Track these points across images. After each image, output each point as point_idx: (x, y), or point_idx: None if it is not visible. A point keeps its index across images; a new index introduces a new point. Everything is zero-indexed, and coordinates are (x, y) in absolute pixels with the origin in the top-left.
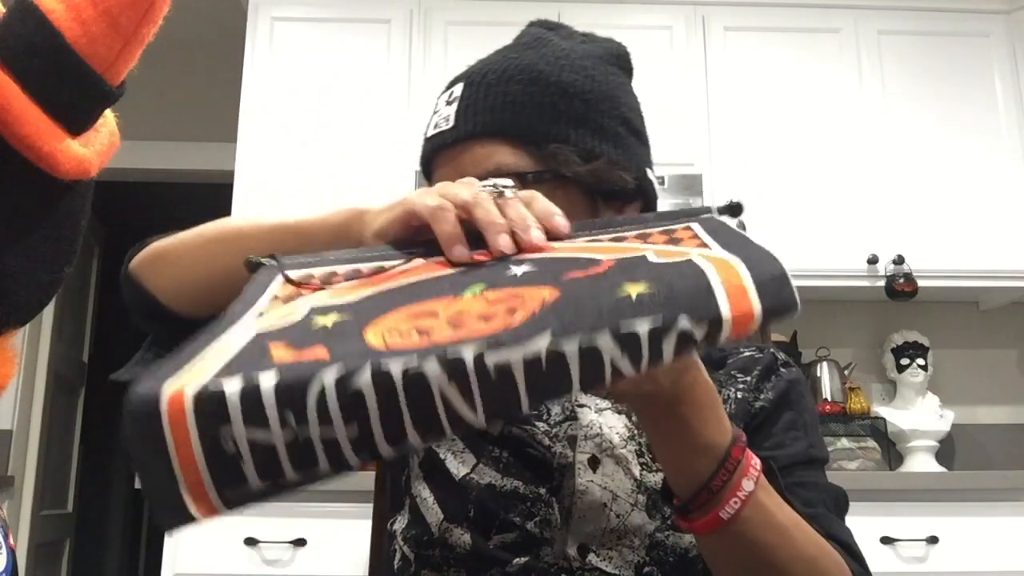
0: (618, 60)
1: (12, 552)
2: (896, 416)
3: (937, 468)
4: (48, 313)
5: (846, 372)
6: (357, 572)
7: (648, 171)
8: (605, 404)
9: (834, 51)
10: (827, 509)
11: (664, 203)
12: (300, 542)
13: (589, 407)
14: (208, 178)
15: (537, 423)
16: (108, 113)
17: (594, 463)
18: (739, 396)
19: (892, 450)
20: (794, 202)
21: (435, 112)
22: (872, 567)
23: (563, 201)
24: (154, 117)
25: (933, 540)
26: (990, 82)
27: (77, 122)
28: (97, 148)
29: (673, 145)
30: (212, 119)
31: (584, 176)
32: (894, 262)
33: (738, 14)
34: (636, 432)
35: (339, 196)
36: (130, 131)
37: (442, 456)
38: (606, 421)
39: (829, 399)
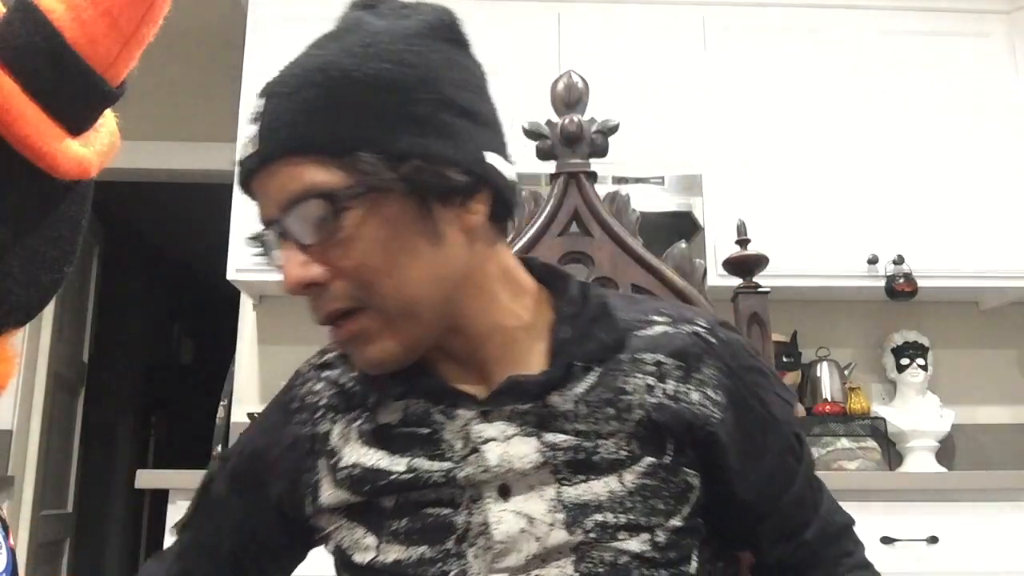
0: (443, 31)
1: (12, 552)
2: (896, 416)
3: (937, 468)
4: (48, 313)
5: (846, 372)
6: None
7: (489, 155)
8: (512, 429)
9: (834, 51)
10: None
11: (664, 203)
12: None
13: (496, 439)
14: (208, 178)
15: (439, 463)
16: (108, 113)
17: (504, 491)
18: (654, 392)
19: (892, 450)
20: (794, 202)
21: (248, 132)
22: None
23: (388, 215)
24: (154, 117)
25: (933, 540)
26: (990, 82)
27: (77, 122)
28: (97, 148)
29: (673, 145)
30: (212, 119)
31: (398, 184)
32: (894, 262)
33: (738, 14)
34: (549, 452)
35: None
36: (130, 131)
37: (345, 547)
38: (516, 451)
39: (829, 399)
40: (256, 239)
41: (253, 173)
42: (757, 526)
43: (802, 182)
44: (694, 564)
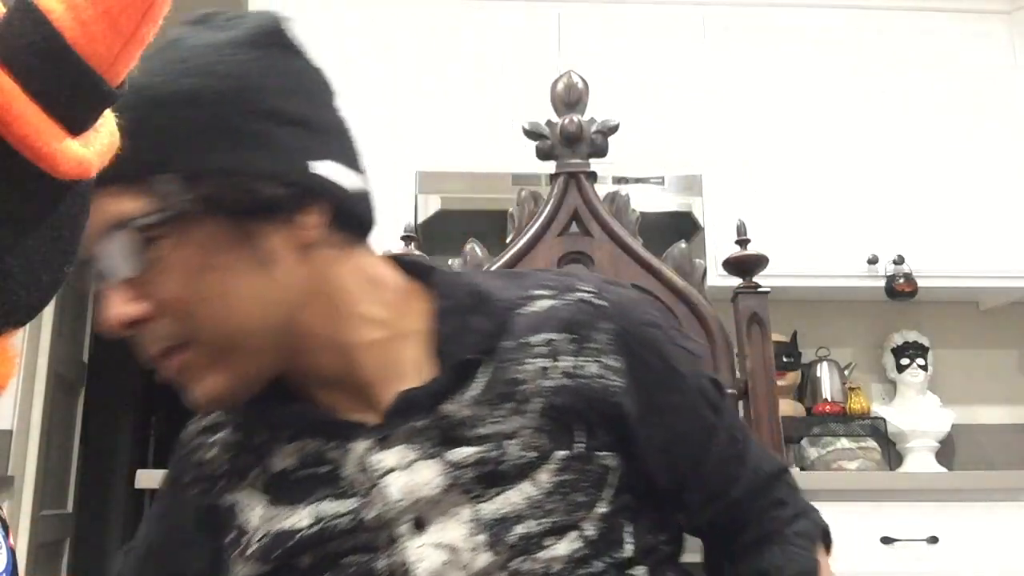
0: (265, 37)
1: (12, 552)
2: (896, 416)
3: (937, 468)
4: (48, 313)
5: (846, 372)
6: None
7: (319, 164)
8: (413, 453)
9: (834, 51)
10: (767, 476)
11: (664, 203)
12: None
13: (396, 468)
14: None
15: (345, 502)
16: (108, 113)
17: (420, 524)
18: (548, 374)
19: (892, 450)
20: (794, 202)
21: None
22: (872, 567)
23: (200, 240)
24: None
25: (933, 540)
26: (990, 82)
27: (77, 122)
28: (97, 148)
29: (673, 145)
30: None
31: (197, 204)
32: (894, 262)
33: (738, 14)
34: (455, 472)
35: None
36: None
37: None
38: (419, 478)
39: (829, 399)
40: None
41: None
42: (682, 492)
43: (802, 182)
44: (628, 546)
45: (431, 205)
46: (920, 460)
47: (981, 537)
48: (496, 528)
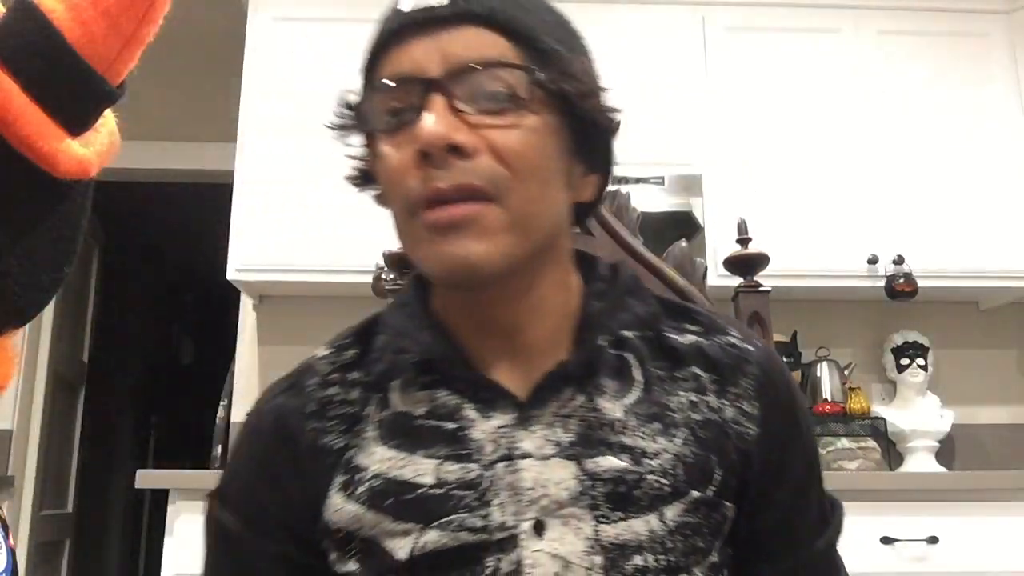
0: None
1: (12, 552)
2: (896, 416)
3: (937, 468)
4: (48, 313)
5: (846, 372)
6: None
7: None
8: (550, 448)
9: (834, 51)
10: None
11: (664, 203)
12: None
13: (531, 455)
14: (208, 178)
15: (465, 465)
16: (108, 113)
17: (539, 528)
18: (698, 408)
19: (892, 450)
20: (794, 202)
21: None
22: (872, 567)
23: (551, 128)
24: (154, 117)
25: (933, 540)
26: (990, 82)
27: (77, 122)
28: (97, 148)
29: (673, 145)
30: (212, 119)
31: (586, 100)
32: (894, 262)
33: (738, 14)
34: (589, 482)
35: (339, 196)
36: (130, 131)
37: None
38: (552, 475)
39: (829, 399)
40: (359, 107)
41: (429, 23)
42: (770, 541)
43: (802, 182)
44: None
45: None
46: (920, 460)
47: (981, 537)
48: (614, 554)
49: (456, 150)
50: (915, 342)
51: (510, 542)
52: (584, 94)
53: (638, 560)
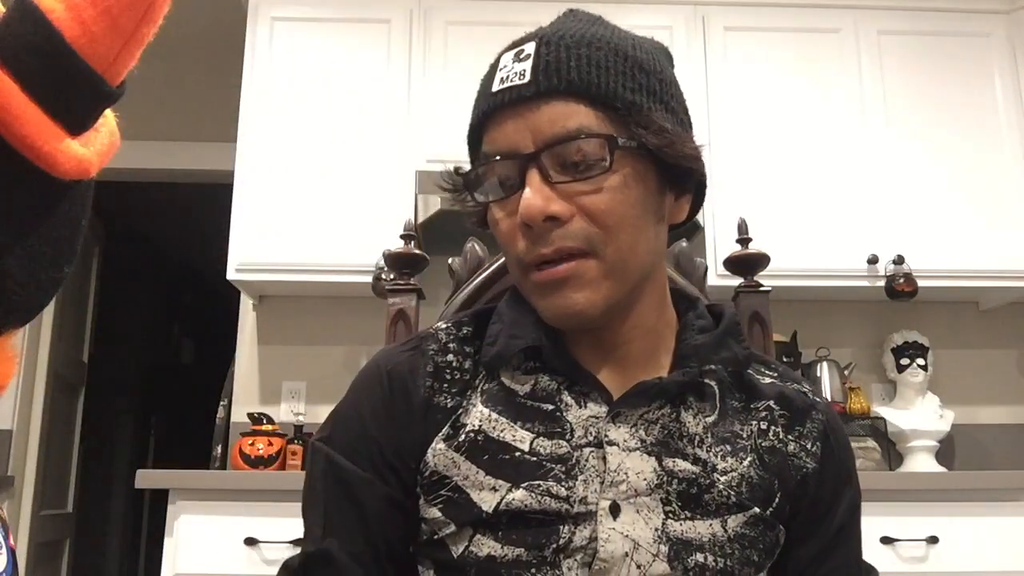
0: (667, 55)
1: (12, 552)
2: (896, 416)
3: (937, 468)
4: (48, 313)
5: (846, 372)
6: None
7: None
8: (635, 443)
9: (834, 51)
10: None
11: None
12: (300, 542)
13: (617, 444)
14: (208, 178)
15: (557, 441)
16: (108, 113)
17: (615, 510)
18: (767, 436)
19: (892, 450)
20: (794, 202)
21: (500, 68)
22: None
23: (641, 177)
24: (154, 117)
25: (933, 540)
26: (990, 82)
27: (77, 122)
28: (97, 148)
29: None
30: (212, 119)
31: (664, 151)
32: (894, 262)
33: (738, 14)
34: (666, 478)
35: (338, 196)
36: (130, 131)
37: (440, 536)
38: (633, 465)
39: (829, 399)
40: (469, 176)
41: (517, 103)
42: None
43: (802, 182)
44: None
45: (431, 205)
46: (920, 460)
47: (981, 537)
48: (679, 547)
49: (553, 218)
50: (915, 342)
51: (587, 517)
52: (664, 144)
53: (699, 557)
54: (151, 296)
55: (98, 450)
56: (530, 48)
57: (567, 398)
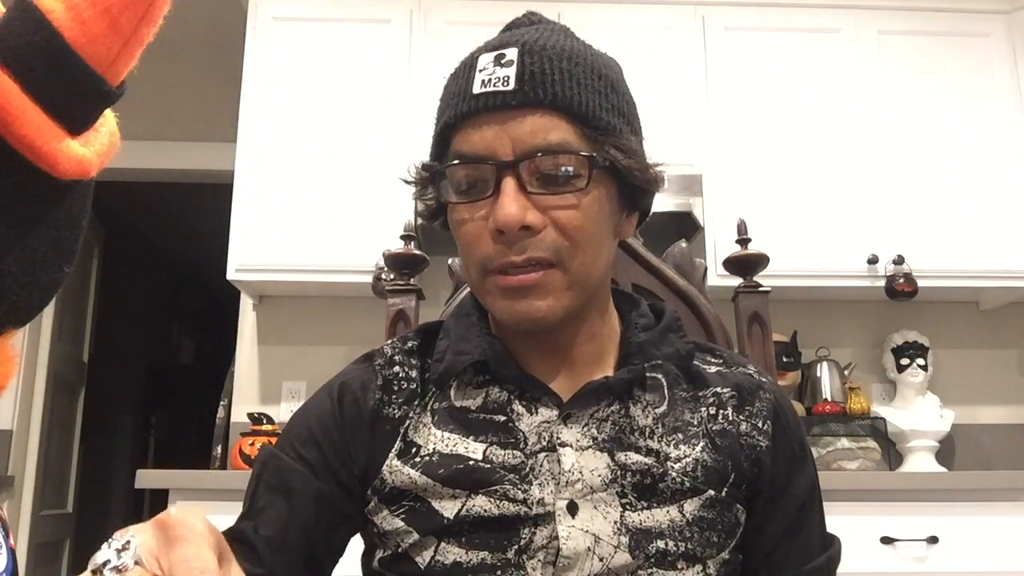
0: (622, 70)
1: (12, 552)
2: (896, 416)
3: (937, 468)
4: (48, 313)
5: (846, 372)
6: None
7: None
8: (587, 441)
9: (834, 51)
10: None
11: (664, 203)
12: None
13: (570, 445)
14: (208, 178)
15: (512, 451)
16: (108, 113)
17: (572, 508)
18: (716, 420)
19: (892, 450)
20: (794, 202)
21: (479, 70)
22: (872, 567)
23: (606, 194)
24: (154, 117)
25: (933, 540)
26: (990, 82)
27: (77, 122)
28: (97, 148)
29: (673, 145)
30: (212, 119)
31: (634, 173)
32: (894, 262)
33: (738, 14)
34: (619, 472)
35: (338, 196)
36: (130, 131)
37: (404, 547)
38: (587, 463)
39: (829, 399)
40: (438, 171)
41: (499, 108)
42: (773, 552)
43: (802, 182)
44: None
45: None
46: (920, 460)
47: (981, 537)
48: (639, 536)
49: (527, 228)
50: (915, 342)
51: (546, 518)
52: (635, 168)
53: (660, 544)
54: (151, 296)
55: (98, 450)
56: (512, 54)
57: (518, 407)
